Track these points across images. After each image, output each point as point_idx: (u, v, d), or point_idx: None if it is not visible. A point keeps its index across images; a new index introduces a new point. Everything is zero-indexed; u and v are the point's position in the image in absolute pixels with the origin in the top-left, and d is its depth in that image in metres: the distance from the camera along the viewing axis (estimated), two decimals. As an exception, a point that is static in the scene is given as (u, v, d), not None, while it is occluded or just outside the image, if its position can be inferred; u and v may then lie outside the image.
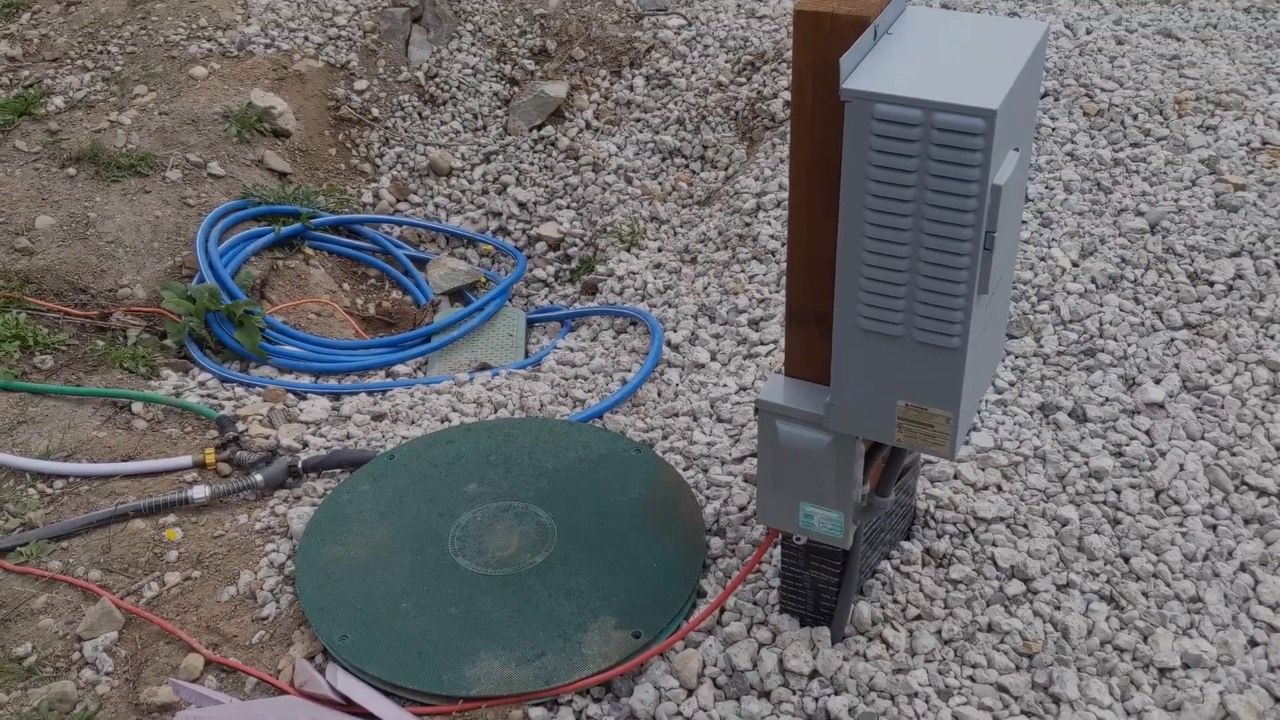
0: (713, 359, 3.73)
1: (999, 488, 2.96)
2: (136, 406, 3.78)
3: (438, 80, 5.59)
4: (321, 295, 4.78)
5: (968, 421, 2.11)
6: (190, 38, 5.73)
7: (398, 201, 5.30)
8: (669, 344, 3.85)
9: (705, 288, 4.11)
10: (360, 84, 5.58)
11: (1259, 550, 2.79)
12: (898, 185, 1.85)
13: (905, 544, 2.78)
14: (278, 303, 4.63)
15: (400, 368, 4.28)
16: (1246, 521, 2.88)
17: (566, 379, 3.89)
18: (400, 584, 2.71)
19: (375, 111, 5.54)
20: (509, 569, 2.73)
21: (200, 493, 3.24)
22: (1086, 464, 3.02)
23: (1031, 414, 3.20)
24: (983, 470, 3.00)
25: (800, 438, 2.24)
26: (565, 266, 4.89)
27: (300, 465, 3.34)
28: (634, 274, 4.41)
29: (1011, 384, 3.30)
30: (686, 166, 4.99)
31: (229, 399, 3.94)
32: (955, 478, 2.97)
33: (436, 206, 5.26)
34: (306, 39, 5.70)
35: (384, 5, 5.81)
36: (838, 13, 1.93)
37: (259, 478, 3.29)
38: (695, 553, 2.77)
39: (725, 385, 3.52)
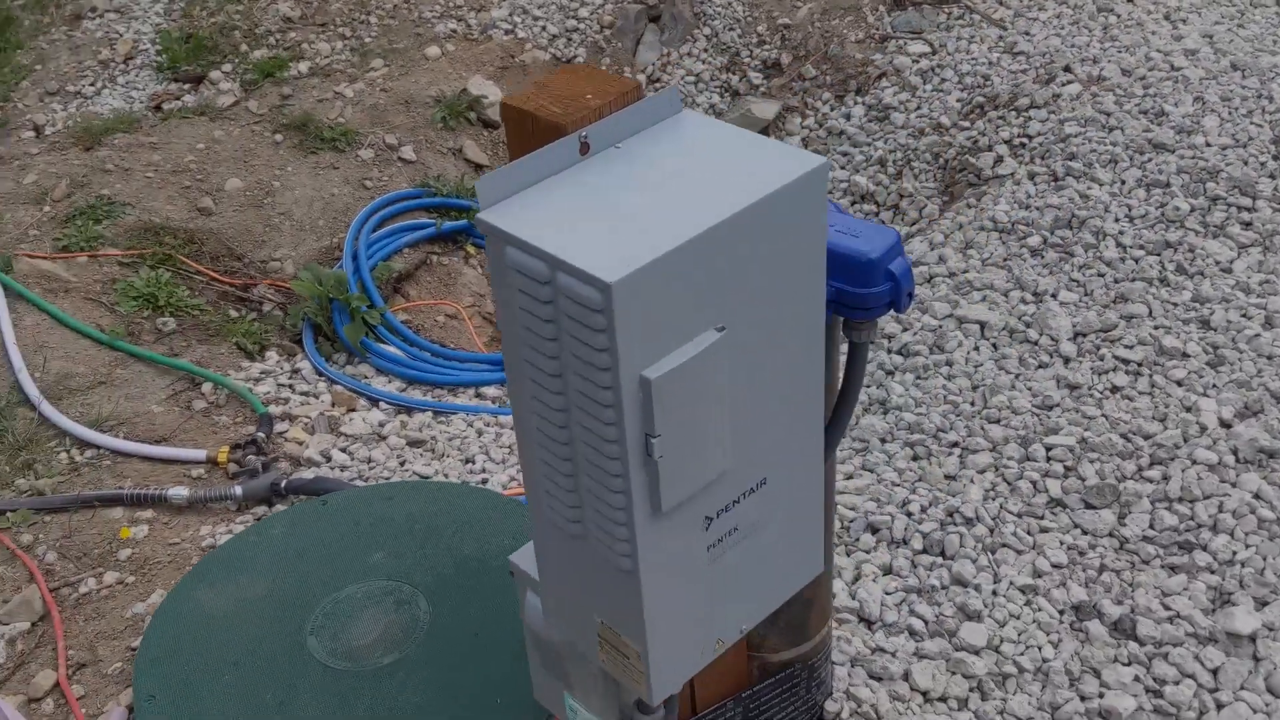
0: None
1: (964, 704, 2.32)
2: (206, 387, 3.79)
3: (658, 85, 5.27)
4: (467, 297, 4.64)
5: (678, 664, 1.58)
6: (443, 15, 5.74)
7: (582, 208, 5.06)
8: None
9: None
10: (580, 80, 5.36)
11: None
12: (543, 355, 1.38)
13: (787, 753, 2.22)
14: (415, 299, 4.54)
15: (492, 389, 4.05)
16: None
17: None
18: (238, 651, 2.49)
19: (587, 111, 5.31)
20: (350, 664, 2.44)
21: (179, 493, 3.17)
22: (1100, 698, 2.31)
23: (1061, 613, 2.49)
24: (951, 675, 2.36)
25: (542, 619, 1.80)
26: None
27: (284, 484, 3.20)
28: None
29: (1057, 566, 2.59)
30: (876, 215, 4.40)
31: (306, 393, 3.89)
32: (905, 678, 2.36)
33: (618, 219, 4.97)
34: (545, 28, 5.55)
35: (626, 1, 5.55)
36: (539, 115, 1.47)
37: (237, 489, 3.18)
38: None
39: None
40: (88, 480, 3.34)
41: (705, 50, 5.31)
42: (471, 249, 4.80)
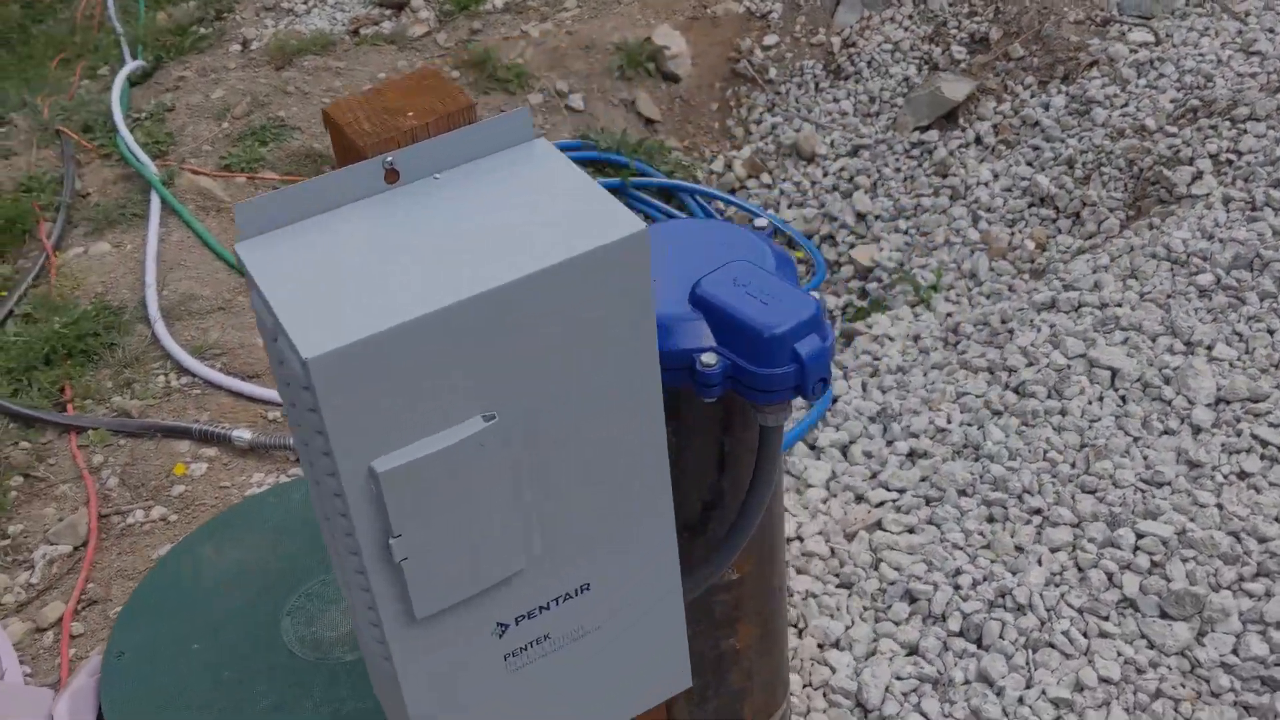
0: (813, 490, 2.92)
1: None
2: (314, 325, 3.78)
3: (851, 50, 4.89)
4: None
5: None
6: (647, -42, 5.52)
7: (747, 178, 4.78)
8: (808, 443, 3.09)
9: (915, 386, 3.23)
10: (770, 39, 5.05)
11: None
12: (296, 425, 1.20)
13: None
14: (551, 255, 4.40)
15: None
16: None
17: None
18: (215, 620, 2.45)
19: (772, 72, 4.99)
20: (314, 654, 2.35)
21: (242, 436, 3.17)
22: None
23: (1091, 743, 2.13)
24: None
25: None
26: (857, 300, 4.12)
27: (341, 442, 3.14)
28: (886, 338, 3.60)
29: (1105, 681, 2.21)
30: (1053, 221, 3.94)
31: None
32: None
33: (782, 193, 4.67)
34: (745, -21, 5.25)
35: (833, -44, 5.17)
36: (345, 130, 1.27)
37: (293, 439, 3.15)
38: None
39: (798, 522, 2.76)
40: (175, 407, 3.40)
41: (910, 17, 4.89)
42: (622, 209, 4.61)
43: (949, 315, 3.70)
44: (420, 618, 1.21)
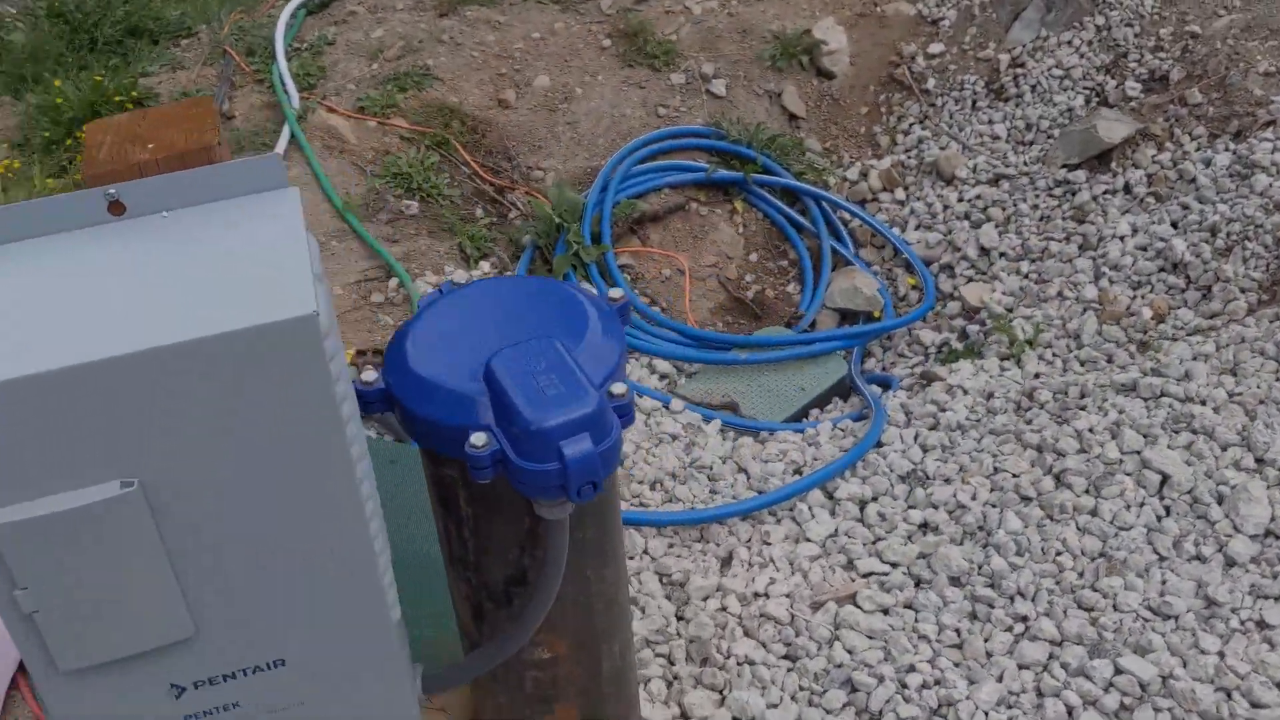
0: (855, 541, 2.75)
1: None
2: (392, 281, 3.82)
3: (1018, 71, 4.56)
4: (710, 255, 4.33)
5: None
6: (832, -55, 5.28)
7: (881, 190, 4.53)
8: (827, 492, 2.91)
9: (962, 450, 2.99)
10: (936, 47, 4.76)
11: None
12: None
13: None
14: (654, 245, 4.30)
15: (663, 364, 3.77)
16: None
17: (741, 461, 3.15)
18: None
19: (931, 83, 4.71)
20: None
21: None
22: None
23: None
24: None
25: None
26: (954, 341, 3.86)
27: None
28: (960, 390, 3.36)
29: (1017, 832, 2.00)
30: (1181, 292, 3.58)
31: (485, 314, 3.81)
32: None
33: (912, 212, 4.41)
34: (926, -21, 4.96)
35: (1021, -34, 4.81)
36: (85, 154, 1.21)
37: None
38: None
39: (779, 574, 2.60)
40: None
41: (1090, 43, 4.50)
42: (739, 205, 4.46)
43: (1036, 376, 3.42)
44: (65, 670, 1.16)
